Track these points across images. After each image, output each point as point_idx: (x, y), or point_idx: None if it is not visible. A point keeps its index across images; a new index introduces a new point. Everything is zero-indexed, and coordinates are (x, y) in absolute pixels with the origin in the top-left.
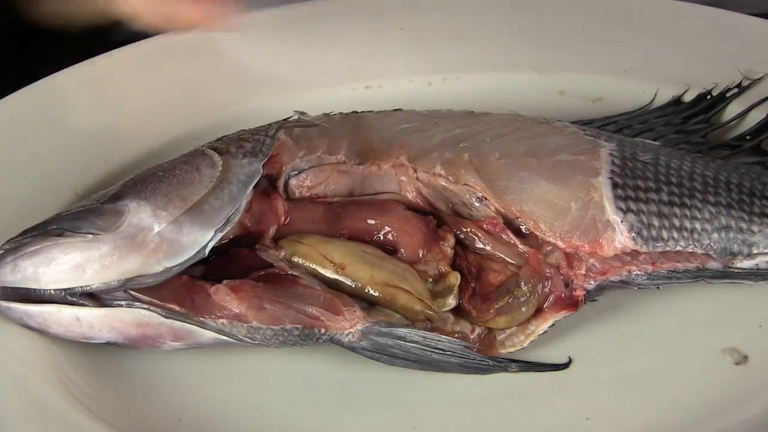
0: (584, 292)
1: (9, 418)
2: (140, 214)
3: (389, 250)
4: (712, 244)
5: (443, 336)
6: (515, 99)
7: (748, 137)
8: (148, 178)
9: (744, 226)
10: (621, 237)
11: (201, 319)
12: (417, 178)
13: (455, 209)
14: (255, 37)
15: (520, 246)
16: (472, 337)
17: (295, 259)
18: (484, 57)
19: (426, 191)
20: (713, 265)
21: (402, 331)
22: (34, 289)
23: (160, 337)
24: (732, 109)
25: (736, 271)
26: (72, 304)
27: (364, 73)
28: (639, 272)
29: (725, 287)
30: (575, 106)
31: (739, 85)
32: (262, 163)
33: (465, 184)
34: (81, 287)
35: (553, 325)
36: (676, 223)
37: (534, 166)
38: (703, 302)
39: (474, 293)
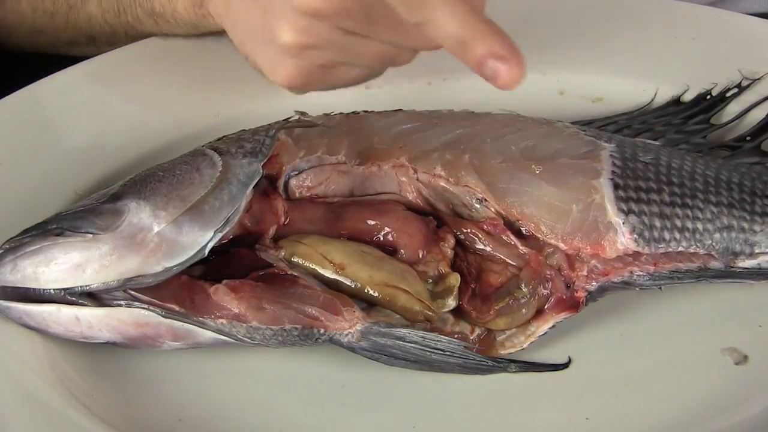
0: (585, 294)
1: (9, 418)
2: (140, 214)
3: (389, 250)
4: (714, 244)
5: (443, 336)
6: (515, 99)
7: (748, 138)
8: (148, 178)
9: (746, 225)
10: (623, 238)
11: (200, 318)
12: (417, 179)
13: (455, 210)
14: None
15: (521, 247)
16: (471, 337)
17: (295, 259)
18: None
19: (426, 192)
20: (715, 264)
21: (401, 332)
22: (34, 289)
23: (159, 337)
24: (732, 109)
25: (738, 270)
26: (71, 303)
27: None
28: (641, 273)
29: (725, 287)
30: (575, 106)
31: (739, 85)
32: (262, 164)
33: (465, 185)
34: (80, 287)
35: (553, 326)
36: (678, 223)
37: (534, 168)
38: (703, 302)
39: (474, 294)
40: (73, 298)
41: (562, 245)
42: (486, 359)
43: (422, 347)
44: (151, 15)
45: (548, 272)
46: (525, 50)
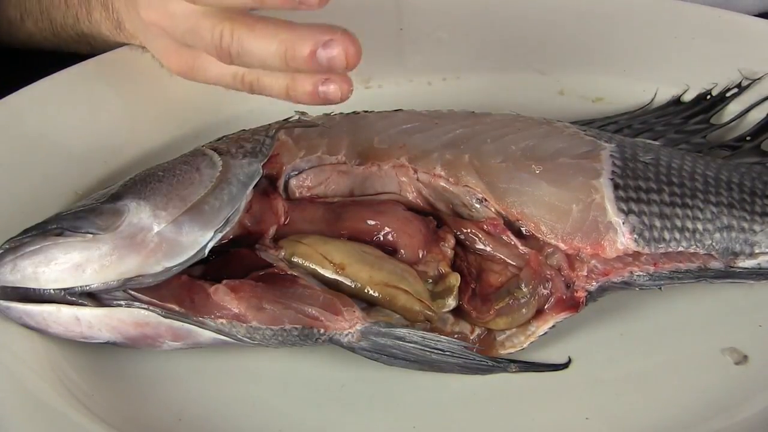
0: (585, 294)
1: (9, 418)
2: (140, 214)
3: (389, 250)
4: (714, 244)
5: (442, 336)
6: (515, 99)
7: (748, 138)
8: (148, 178)
9: (746, 225)
10: (623, 238)
11: (200, 318)
12: (417, 179)
13: (455, 210)
14: None
15: (521, 247)
16: (471, 337)
17: (295, 259)
18: (484, 57)
19: (426, 192)
20: (715, 264)
21: (401, 332)
22: (34, 289)
23: (159, 337)
24: (732, 109)
25: (738, 270)
26: (71, 303)
27: (363, 73)
28: (641, 273)
29: (725, 287)
30: (575, 106)
31: (739, 85)
32: (262, 164)
33: (465, 185)
34: (80, 287)
35: (553, 326)
36: (678, 223)
37: (534, 168)
38: (703, 302)
39: (474, 294)
40: (73, 298)
41: (562, 245)
42: (486, 359)
43: (422, 347)
44: (82, 37)
45: (548, 272)
46: (525, 50)
